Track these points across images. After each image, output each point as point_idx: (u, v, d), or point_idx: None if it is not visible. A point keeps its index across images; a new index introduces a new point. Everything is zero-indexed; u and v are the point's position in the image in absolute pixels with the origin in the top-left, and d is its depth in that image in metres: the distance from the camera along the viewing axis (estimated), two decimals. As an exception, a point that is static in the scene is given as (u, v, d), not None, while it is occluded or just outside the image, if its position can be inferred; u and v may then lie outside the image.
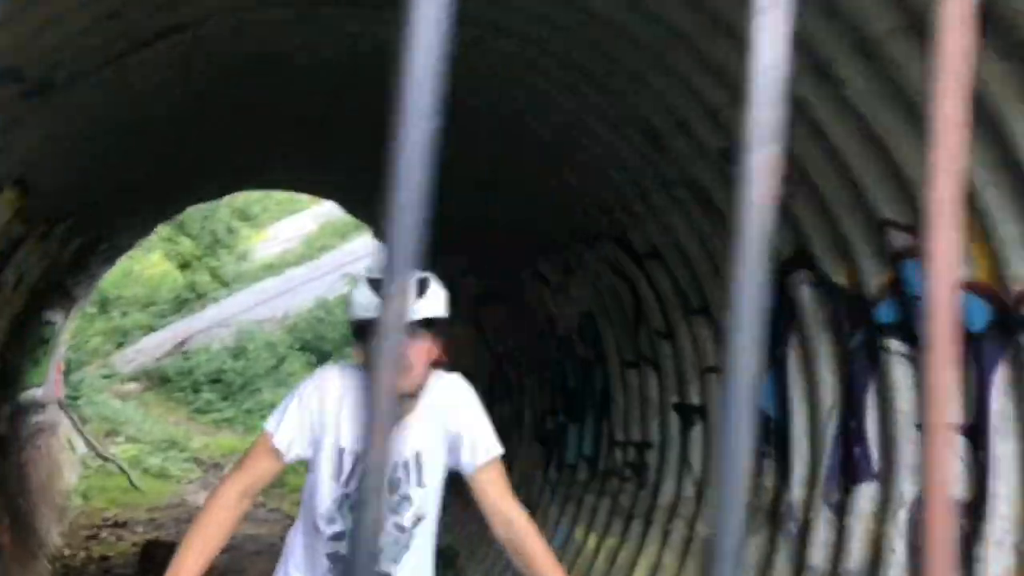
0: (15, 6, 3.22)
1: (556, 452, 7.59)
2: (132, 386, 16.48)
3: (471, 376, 10.51)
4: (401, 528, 2.49)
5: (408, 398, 2.41)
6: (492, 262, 8.31)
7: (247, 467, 2.46)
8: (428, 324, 2.38)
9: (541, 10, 4.49)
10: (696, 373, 5.70)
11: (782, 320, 4.41)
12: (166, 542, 6.22)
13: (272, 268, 20.62)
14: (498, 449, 2.56)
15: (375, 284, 2.31)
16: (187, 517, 2.31)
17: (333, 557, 2.47)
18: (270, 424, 2.47)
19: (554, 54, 4.88)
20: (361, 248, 15.70)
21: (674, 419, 5.96)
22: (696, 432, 5.73)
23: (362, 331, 2.36)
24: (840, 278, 4.03)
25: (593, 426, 7.06)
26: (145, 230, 10.11)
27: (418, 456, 2.48)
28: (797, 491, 4.39)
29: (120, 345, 18.13)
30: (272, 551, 9.13)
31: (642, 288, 6.10)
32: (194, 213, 16.65)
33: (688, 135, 4.72)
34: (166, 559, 2.31)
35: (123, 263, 18.93)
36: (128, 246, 10.04)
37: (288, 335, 16.85)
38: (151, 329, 18.72)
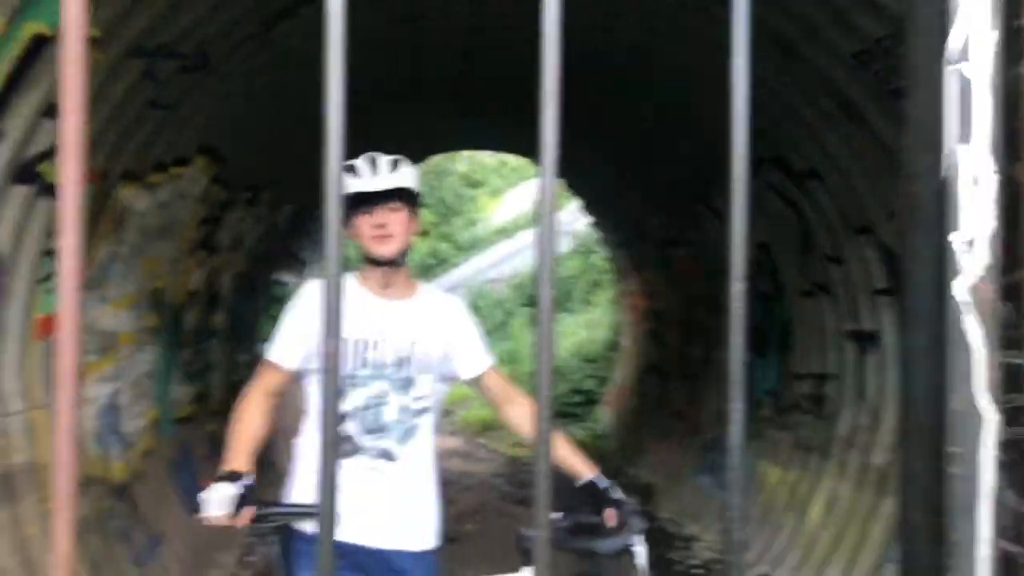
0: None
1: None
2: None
3: (663, 318, 10.47)
4: (406, 411, 2.59)
5: (393, 266, 2.59)
6: (673, 203, 8.22)
7: (259, 380, 2.65)
8: (403, 195, 2.57)
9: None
10: (867, 297, 5.40)
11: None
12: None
13: (504, 232, 21.52)
14: (491, 358, 2.78)
15: (350, 168, 2.53)
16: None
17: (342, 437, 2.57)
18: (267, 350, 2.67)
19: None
20: (579, 208, 16.08)
21: (850, 348, 5.69)
22: (871, 361, 5.44)
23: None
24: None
25: (776, 361, 6.86)
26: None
27: (414, 345, 2.61)
28: None
29: (371, 310, 19.87)
30: (482, 487, 9.63)
31: (807, 211, 5.84)
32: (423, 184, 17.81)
33: (819, 41, 4.48)
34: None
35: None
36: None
37: (515, 292, 17.59)
38: (398, 294, 20.32)
